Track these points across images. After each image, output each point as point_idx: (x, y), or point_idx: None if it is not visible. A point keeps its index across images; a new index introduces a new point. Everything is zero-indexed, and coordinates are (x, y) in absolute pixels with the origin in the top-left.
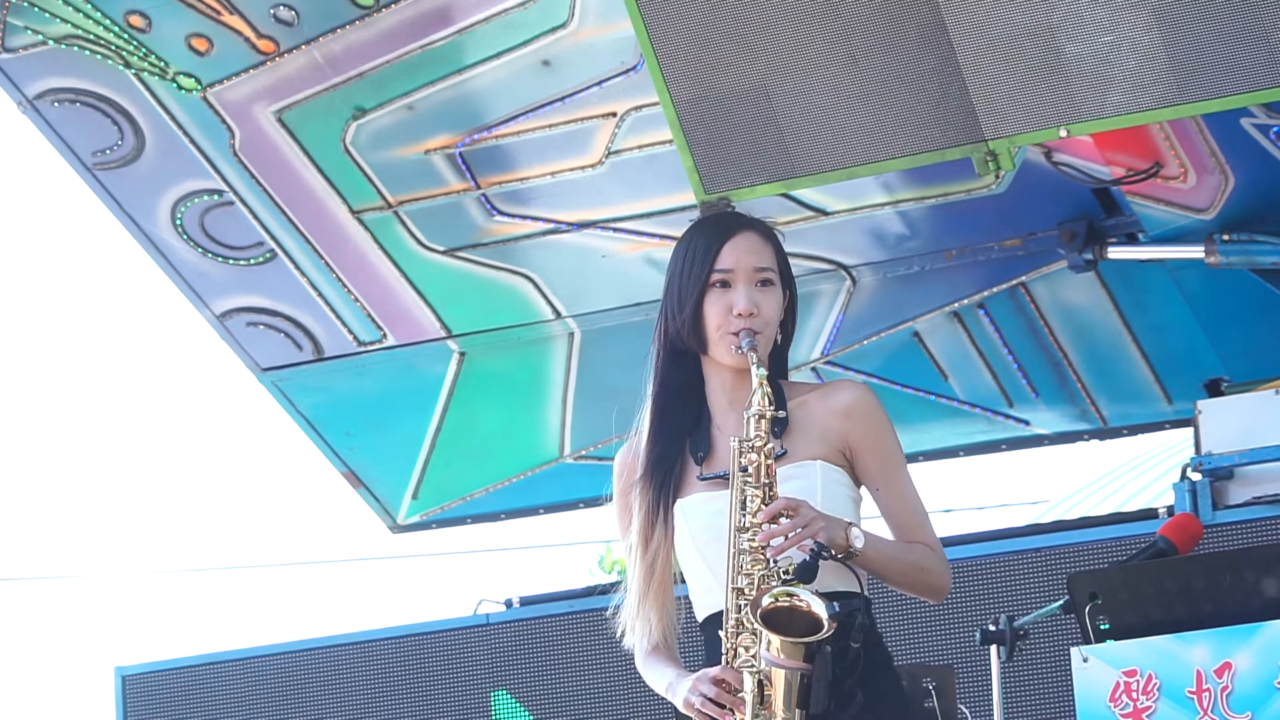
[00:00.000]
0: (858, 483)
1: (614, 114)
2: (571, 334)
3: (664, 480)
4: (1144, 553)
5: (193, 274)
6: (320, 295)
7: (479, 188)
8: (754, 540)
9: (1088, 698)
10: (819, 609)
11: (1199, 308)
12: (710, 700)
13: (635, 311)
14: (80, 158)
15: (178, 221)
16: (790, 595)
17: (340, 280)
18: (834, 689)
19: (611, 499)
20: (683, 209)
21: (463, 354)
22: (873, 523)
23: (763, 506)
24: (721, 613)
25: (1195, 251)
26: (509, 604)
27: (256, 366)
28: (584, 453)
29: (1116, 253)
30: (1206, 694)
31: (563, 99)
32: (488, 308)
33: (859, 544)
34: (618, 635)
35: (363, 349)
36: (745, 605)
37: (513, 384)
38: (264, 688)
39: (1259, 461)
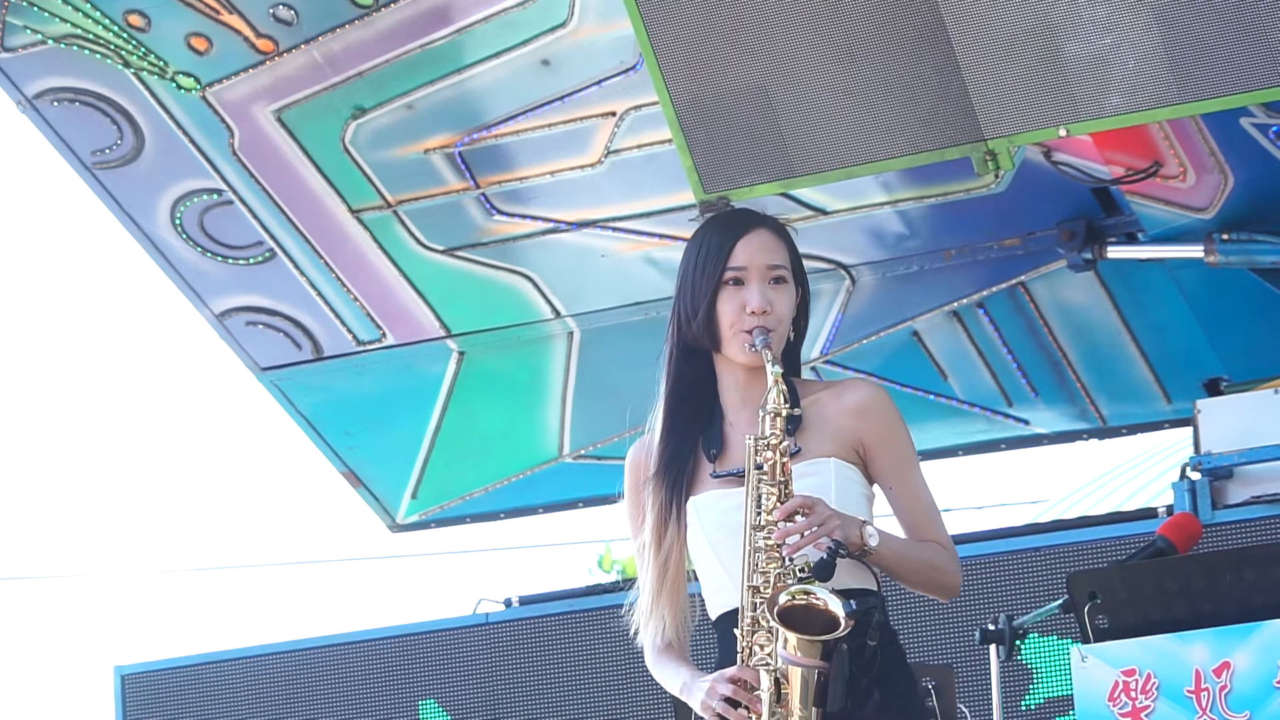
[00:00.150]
0: (870, 480)
1: (613, 113)
2: (571, 333)
3: (677, 478)
4: (1143, 552)
5: (192, 273)
6: (319, 295)
7: (478, 187)
8: (769, 538)
9: (1086, 697)
10: (836, 607)
11: (1198, 307)
12: (728, 701)
13: (634, 311)
14: (80, 157)
15: (177, 221)
16: (807, 593)
17: (339, 280)
18: (851, 687)
19: (622, 497)
20: (682, 208)
21: (462, 353)
22: (884, 521)
23: (778, 504)
24: (735, 611)
25: (1194, 251)
26: (508, 603)
27: (256, 366)
28: (583, 452)
29: (1116, 252)
30: (1205, 693)
31: (562, 98)
32: (487, 307)
33: (873, 542)
34: (630, 634)
35: (362, 348)
36: (761, 603)
37: (512, 383)
38: (263, 687)
39: (1258, 461)
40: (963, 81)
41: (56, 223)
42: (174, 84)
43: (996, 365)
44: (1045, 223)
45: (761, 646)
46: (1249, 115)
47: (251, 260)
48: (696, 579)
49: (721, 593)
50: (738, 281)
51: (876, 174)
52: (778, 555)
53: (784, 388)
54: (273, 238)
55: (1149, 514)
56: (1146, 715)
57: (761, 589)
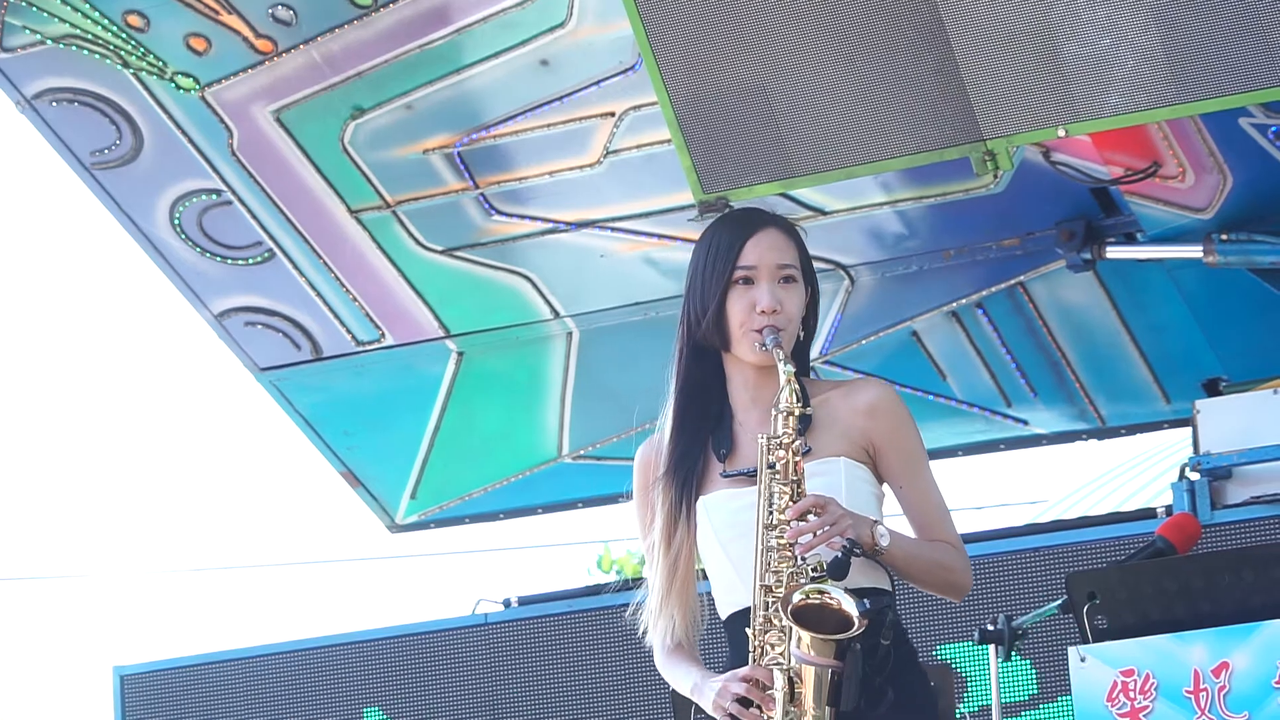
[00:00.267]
0: (880, 480)
1: (612, 114)
2: (570, 333)
3: (686, 477)
4: (1142, 552)
5: (191, 273)
6: (318, 295)
7: (477, 187)
8: (782, 537)
9: (1085, 697)
10: (850, 606)
11: (1197, 307)
12: (741, 701)
13: (634, 311)
14: (79, 157)
15: (176, 221)
16: (821, 592)
17: (339, 280)
18: (865, 686)
19: (630, 497)
20: (681, 209)
21: (461, 354)
22: (893, 521)
23: (791, 503)
24: (746, 610)
25: (1193, 251)
26: (507, 604)
27: (255, 366)
28: (582, 452)
29: (1115, 252)
30: (1204, 694)
31: (561, 99)
32: (486, 307)
33: (884, 542)
34: (639, 634)
35: (361, 348)
36: (774, 602)
37: (511, 384)
38: (262, 688)
39: (1257, 461)
40: (962, 81)
41: (56, 223)
42: (173, 84)
43: (995, 365)
44: (1044, 223)
45: (773, 645)
46: (1248, 115)
47: (250, 260)
48: (705, 578)
49: (732, 592)
50: (747, 281)
51: (875, 174)
52: (790, 554)
53: (797, 386)
54: (272, 238)
55: (1148, 514)
56: (1145, 715)
57: (774, 588)
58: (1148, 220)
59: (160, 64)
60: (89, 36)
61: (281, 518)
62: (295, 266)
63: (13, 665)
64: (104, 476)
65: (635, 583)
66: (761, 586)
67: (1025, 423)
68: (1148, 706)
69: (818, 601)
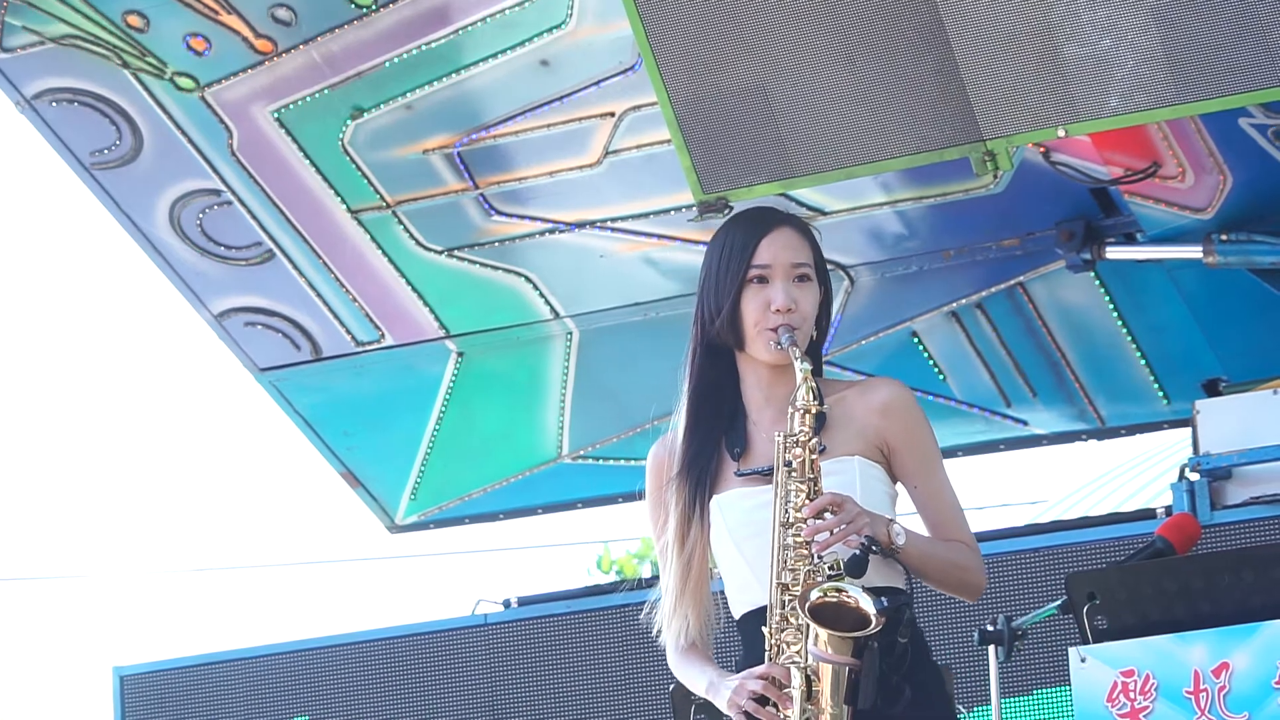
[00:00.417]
0: (894, 479)
1: (612, 114)
2: (570, 334)
3: (700, 477)
4: (1142, 553)
5: (191, 274)
6: (318, 295)
7: (477, 187)
8: (799, 535)
9: (1085, 698)
10: (867, 604)
11: (1197, 308)
12: (758, 699)
13: (633, 311)
14: (78, 157)
15: (176, 221)
16: (839, 590)
17: (338, 280)
18: (882, 684)
19: (643, 495)
20: (681, 209)
21: (461, 354)
22: (907, 519)
23: (807, 501)
24: (761, 609)
25: (1193, 251)
26: (507, 604)
27: (254, 366)
28: (582, 453)
29: (1114, 252)
30: (1204, 694)
31: (561, 99)
32: (486, 308)
33: (900, 540)
34: (653, 633)
35: (361, 349)
36: (790, 600)
37: (511, 384)
38: (262, 688)
39: (1257, 461)
40: (961, 82)
41: (55, 223)
42: (173, 84)
43: (995, 366)
44: (1044, 223)
45: (790, 644)
46: (1248, 115)
47: (250, 261)
48: (719, 577)
49: (746, 591)
50: (762, 280)
51: (875, 174)
52: (807, 553)
53: (814, 385)
54: (271, 238)
55: (1148, 515)
56: (1145, 716)
57: (791, 586)
58: (1147, 220)
59: (160, 64)
60: (89, 36)
61: (281, 518)
62: (295, 267)
63: (13, 665)
64: (104, 476)
65: (649, 583)
66: (778, 585)
67: (1025, 423)
68: (1148, 707)
69: (835, 599)
